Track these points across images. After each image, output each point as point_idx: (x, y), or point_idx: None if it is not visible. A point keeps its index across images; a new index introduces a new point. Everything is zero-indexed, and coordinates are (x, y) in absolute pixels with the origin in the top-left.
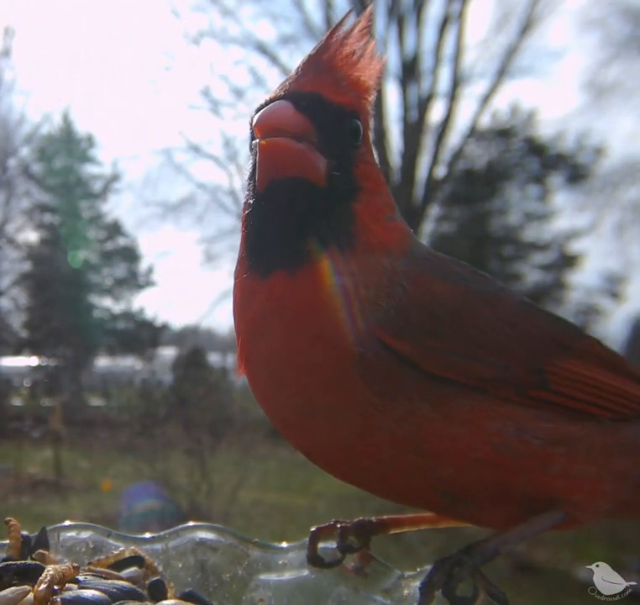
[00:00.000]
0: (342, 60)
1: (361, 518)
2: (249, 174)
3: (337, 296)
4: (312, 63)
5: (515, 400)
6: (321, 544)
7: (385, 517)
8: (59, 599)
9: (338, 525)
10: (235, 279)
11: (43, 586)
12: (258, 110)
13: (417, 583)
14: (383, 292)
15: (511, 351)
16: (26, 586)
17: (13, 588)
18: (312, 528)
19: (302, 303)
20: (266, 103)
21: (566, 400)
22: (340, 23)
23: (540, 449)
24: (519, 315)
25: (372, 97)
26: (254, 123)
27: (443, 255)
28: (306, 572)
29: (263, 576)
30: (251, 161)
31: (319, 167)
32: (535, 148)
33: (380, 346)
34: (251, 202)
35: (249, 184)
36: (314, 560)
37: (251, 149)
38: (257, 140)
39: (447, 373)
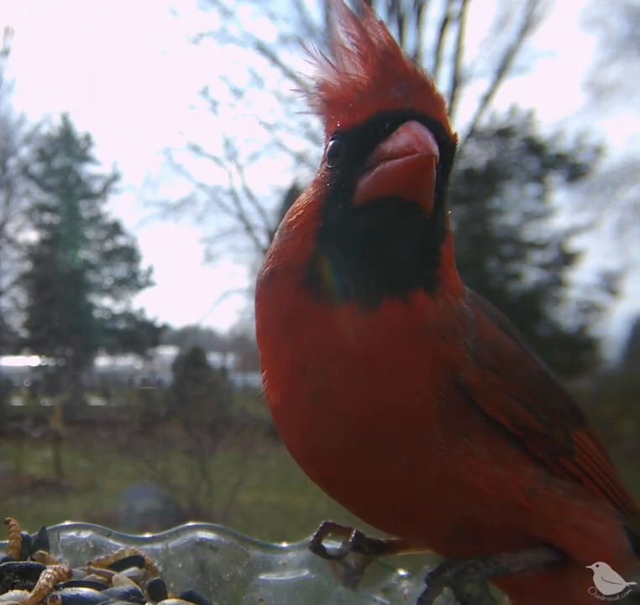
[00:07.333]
0: (432, 83)
1: (375, 536)
2: (332, 186)
3: (426, 334)
4: (412, 77)
5: (544, 462)
6: (326, 545)
7: (394, 539)
8: (59, 596)
9: (354, 532)
10: (262, 287)
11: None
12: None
13: (415, 583)
14: (459, 330)
15: (553, 409)
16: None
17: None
18: (328, 520)
19: (391, 340)
20: (381, 104)
21: (583, 476)
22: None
23: (562, 498)
24: (552, 381)
25: None
26: (409, 140)
27: (479, 297)
28: (306, 572)
29: (263, 576)
30: (337, 172)
31: (433, 198)
32: (534, 147)
33: (455, 381)
34: (339, 217)
35: (337, 195)
36: (317, 548)
37: (333, 158)
38: (388, 146)
39: (499, 414)
